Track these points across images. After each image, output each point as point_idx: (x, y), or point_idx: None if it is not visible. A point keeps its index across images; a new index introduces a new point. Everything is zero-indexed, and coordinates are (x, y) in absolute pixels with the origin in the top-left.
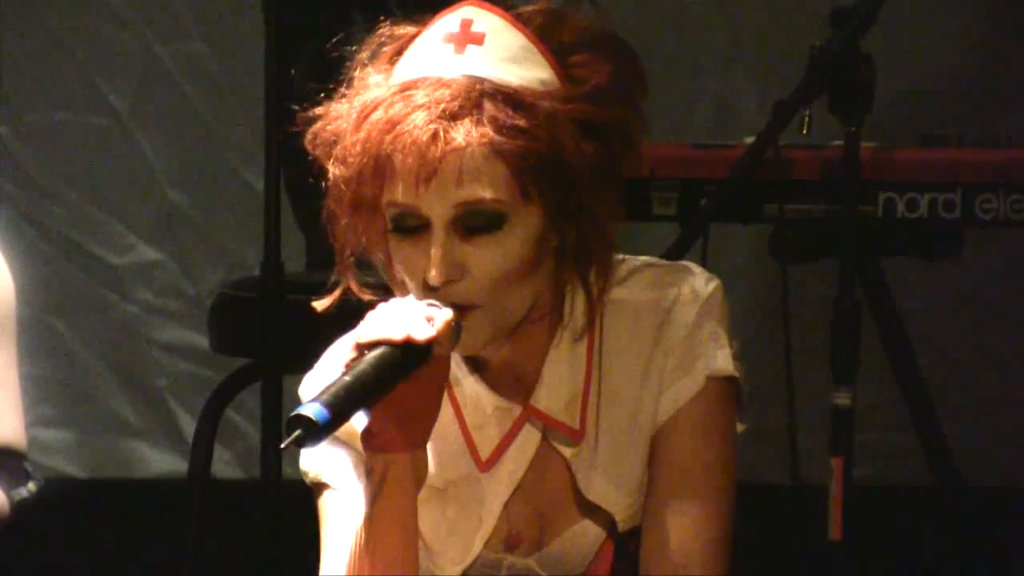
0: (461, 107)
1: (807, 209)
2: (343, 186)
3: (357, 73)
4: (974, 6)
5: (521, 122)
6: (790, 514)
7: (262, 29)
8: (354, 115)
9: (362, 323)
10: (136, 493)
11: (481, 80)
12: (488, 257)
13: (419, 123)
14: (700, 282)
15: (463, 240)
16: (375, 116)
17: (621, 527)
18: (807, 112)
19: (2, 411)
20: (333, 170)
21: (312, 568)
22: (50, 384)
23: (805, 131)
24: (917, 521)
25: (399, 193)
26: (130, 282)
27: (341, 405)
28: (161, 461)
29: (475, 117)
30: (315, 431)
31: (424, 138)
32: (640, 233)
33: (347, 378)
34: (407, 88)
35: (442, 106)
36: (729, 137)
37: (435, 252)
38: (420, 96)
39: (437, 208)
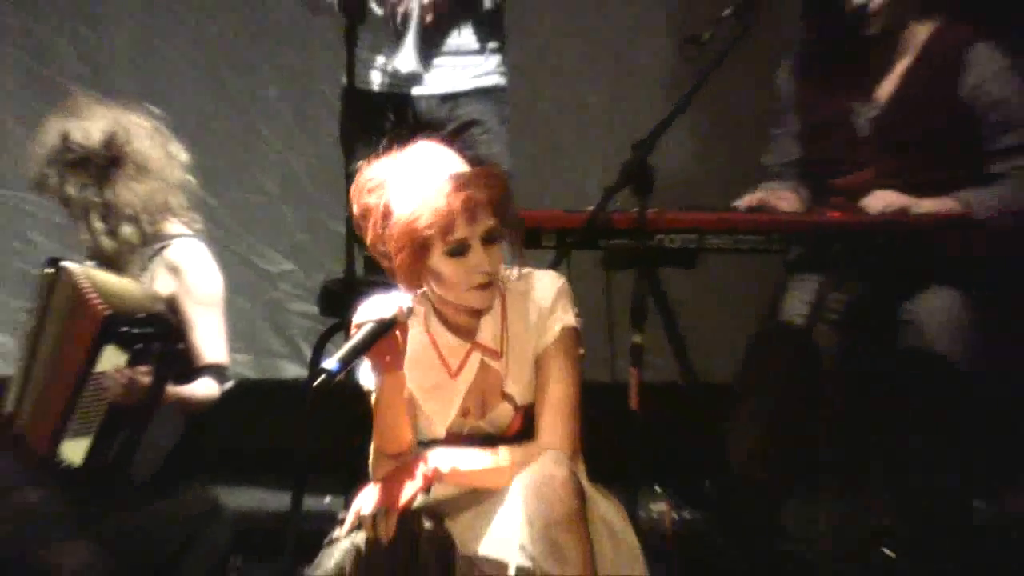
0: (476, 187)
1: (622, 243)
2: (420, 230)
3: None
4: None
5: (500, 194)
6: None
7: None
8: (431, 198)
9: (358, 310)
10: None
11: (476, 176)
12: (497, 255)
13: (468, 200)
14: (556, 279)
15: (486, 249)
16: (451, 199)
17: (520, 402)
18: (618, 195)
19: (215, 340)
20: (411, 225)
21: None
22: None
23: (618, 203)
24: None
25: (458, 234)
26: (281, 282)
27: (346, 358)
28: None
29: (483, 192)
30: (332, 374)
31: (472, 205)
32: (536, 255)
33: (351, 343)
34: (451, 179)
35: (471, 190)
36: (580, 205)
37: (483, 258)
38: (460, 183)
39: (475, 234)
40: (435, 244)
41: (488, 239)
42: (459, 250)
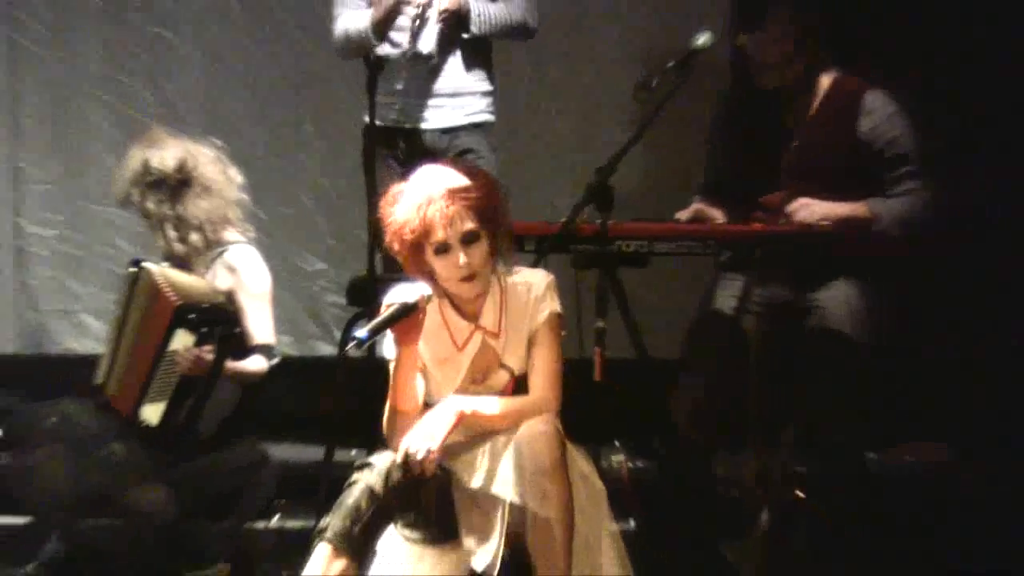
0: (451, 199)
1: (587, 248)
2: (406, 234)
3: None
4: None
5: (479, 203)
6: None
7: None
8: (413, 208)
9: (388, 294)
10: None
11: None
12: (478, 254)
13: (444, 209)
14: (545, 276)
15: (465, 249)
16: (430, 209)
17: (516, 373)
18: (584, 209)
19: (265, 325)
20: (403, 229)
21: None
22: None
23: (585, 216)
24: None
25: (438, 236)
26: (316, 278)
27: (373, 331)
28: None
29: (458, 203)
30: (362, 341)
31: (448, 213)
32: (519, 257)
33: (379, 318)
34: (432, 194)
35: (445, 201)
36: (554, 217)
37: (463, 258)
38: (437, 197)
39: (453, 236)
40: (425, 245)
41: (467, 240)
42: (442, 249)
